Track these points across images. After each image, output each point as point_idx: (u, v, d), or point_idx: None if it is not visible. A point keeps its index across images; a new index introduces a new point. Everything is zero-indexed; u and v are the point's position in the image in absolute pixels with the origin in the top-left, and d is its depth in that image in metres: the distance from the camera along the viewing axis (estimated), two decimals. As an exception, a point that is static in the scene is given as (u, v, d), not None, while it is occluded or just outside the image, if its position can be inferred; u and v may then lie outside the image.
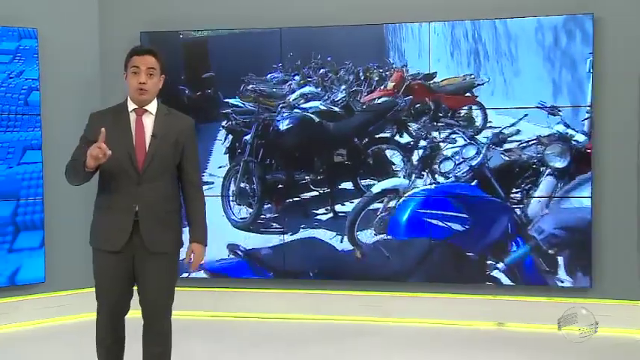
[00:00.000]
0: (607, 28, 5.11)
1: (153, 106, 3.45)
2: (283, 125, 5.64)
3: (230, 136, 5.75)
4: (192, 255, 3.50)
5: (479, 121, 5.30)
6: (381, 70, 5.47)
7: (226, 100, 5.73)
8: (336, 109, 5.57)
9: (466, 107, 5.34)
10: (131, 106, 3.43)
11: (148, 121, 3.44)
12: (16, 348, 4.86)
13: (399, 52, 5.42)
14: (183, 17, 5.72)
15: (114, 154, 3.25)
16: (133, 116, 3.41)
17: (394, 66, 5.44)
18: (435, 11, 5.38)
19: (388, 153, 5.51)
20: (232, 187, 5.76)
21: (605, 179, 5.20)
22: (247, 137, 5.70)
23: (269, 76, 5.65)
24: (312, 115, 5.62)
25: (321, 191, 5.63)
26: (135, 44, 5.40)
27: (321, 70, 5.57)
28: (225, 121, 5.72)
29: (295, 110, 5.65)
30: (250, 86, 5.71)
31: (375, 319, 5.47)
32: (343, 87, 5.54)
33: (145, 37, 5.55)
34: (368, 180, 5.52)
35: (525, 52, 5.19)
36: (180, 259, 3.57)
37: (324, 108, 5.61)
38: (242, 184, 5.75)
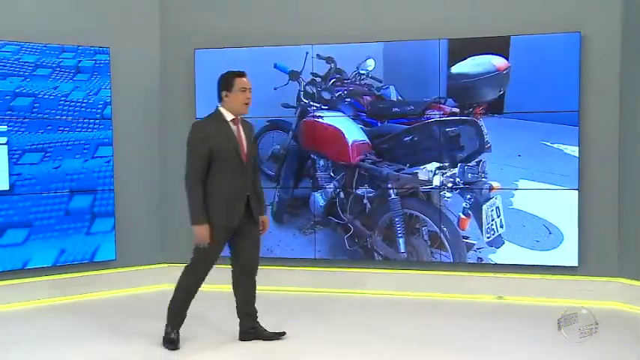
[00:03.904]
0: (592, 45, 5.64)
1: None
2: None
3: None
4: (263, 224, 4.63)
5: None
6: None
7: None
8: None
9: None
10: (229, 116, 4.45)
11: (239, 128, 4.44)
12: (95, 312, 5.65)
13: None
14: (234, 35, 6.30)
15: (225, 153, 4.34)
16: (232, 125, 4.43)
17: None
18: (446, 28, 5.89)
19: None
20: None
21: (590, 173, 5.68)
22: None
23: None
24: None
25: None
26: (189, 60, 6.31)
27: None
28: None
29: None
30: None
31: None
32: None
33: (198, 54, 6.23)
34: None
35: (524, 64, 5.72)
36: None
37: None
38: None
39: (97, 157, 6.11)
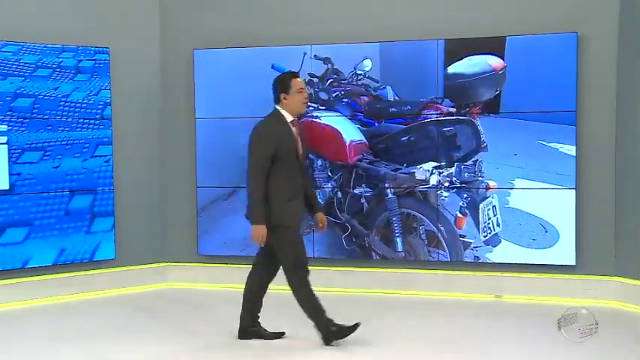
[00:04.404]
0: (589, 45, 5.67)
1: None
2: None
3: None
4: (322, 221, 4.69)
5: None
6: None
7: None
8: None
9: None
10: (289, 117, 4.50)
11: (297, 129, 4.52)
12: (95, 312, 5.69)
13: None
14: (234, 35, 6.33)
15: (287, 153, 4.40)
16: (291, 125, 4.50)
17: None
18: (445, 28, 5.91)
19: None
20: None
21: (588, 173, 5.71)
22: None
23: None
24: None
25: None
26: (189, 60, 6.34)
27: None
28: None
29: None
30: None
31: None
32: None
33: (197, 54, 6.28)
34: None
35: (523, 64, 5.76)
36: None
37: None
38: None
39: (96, 156, 6.14)
